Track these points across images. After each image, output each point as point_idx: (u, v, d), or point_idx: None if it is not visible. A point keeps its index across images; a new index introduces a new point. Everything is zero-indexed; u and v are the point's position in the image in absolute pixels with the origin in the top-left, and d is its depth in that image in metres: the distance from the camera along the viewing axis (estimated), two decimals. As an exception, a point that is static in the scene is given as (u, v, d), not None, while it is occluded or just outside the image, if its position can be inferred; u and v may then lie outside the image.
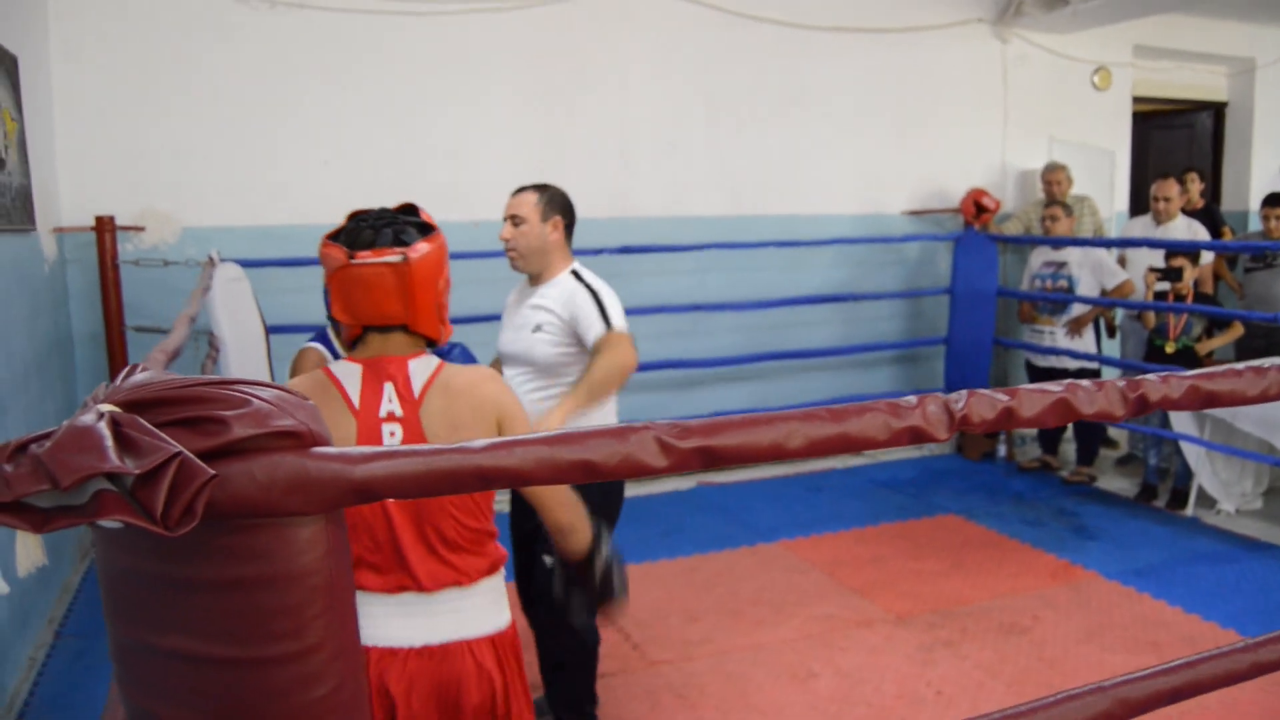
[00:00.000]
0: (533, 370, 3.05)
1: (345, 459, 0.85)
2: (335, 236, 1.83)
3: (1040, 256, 6.42)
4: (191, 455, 0.79)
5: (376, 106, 5.48)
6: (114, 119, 4.98)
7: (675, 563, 4.88)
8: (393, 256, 1.77)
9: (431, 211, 5.82)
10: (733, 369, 6.42)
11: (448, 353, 4.03)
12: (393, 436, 1.80)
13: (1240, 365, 1.43)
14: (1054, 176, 6.70)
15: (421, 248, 1.80)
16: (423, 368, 1.86)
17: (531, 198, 3.06)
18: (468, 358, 3.94)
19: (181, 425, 0.82)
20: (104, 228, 4.83)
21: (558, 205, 3.08)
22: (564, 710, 3.20)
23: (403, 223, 1.84)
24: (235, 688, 0.85)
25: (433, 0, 5.51)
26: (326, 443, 0.87)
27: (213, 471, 0.79)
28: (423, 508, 1.82)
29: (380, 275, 1.77)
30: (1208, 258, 6.24)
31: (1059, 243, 6.20)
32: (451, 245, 5.16)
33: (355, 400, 1.82)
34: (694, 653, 3.91)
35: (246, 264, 4.74)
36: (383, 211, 1.86)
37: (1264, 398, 1.40)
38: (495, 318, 5.02)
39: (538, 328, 3.03)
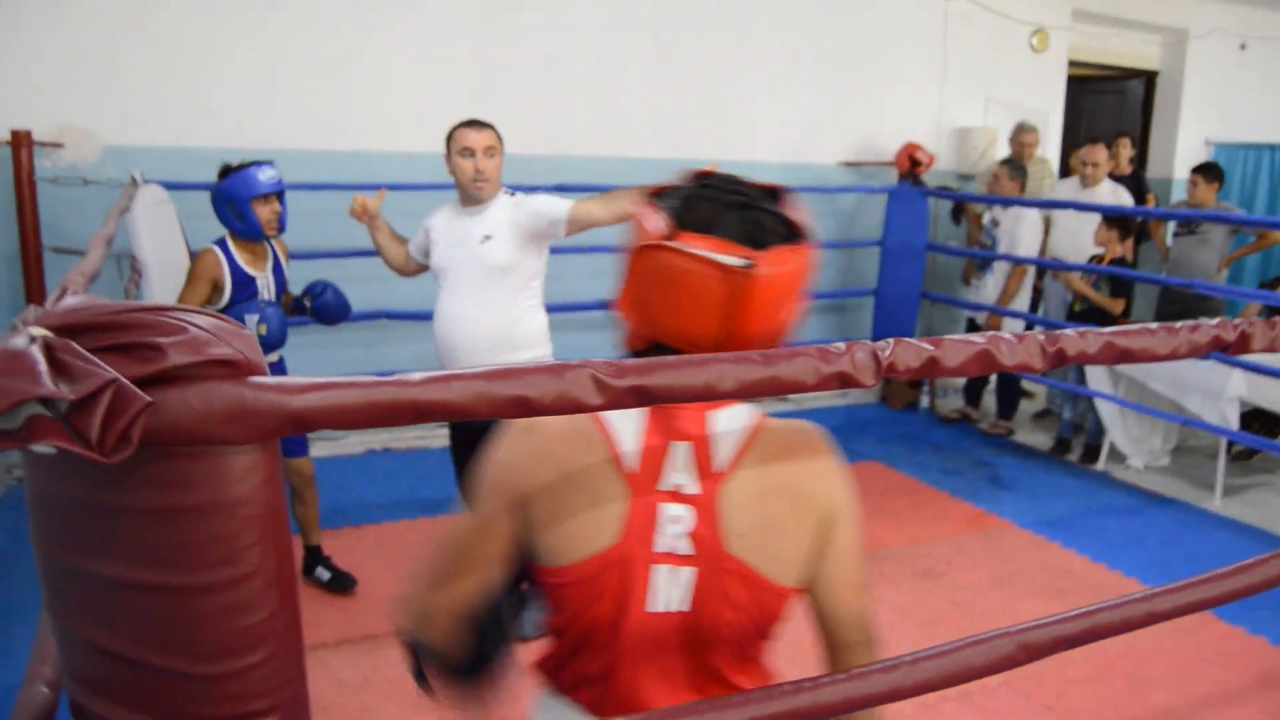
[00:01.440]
0: (478, 277, 3.40)
1: (282, 389, 0.85)
2: (662, 196, 1.33)
3: (987, 214, 6.57)
4: (127, 381, 0.78)
5: (311, 30, 5.33)
6: (31, 27, 4.78)
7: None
8: (730, 259, 1.19)
9: (360, 142, 5.65)
10: (665, 313, 6.44)
11: (321, 292, 3.92)
12: (677, 523, 1.25)
13: (1154, 324, 1.48)
14: (1027, 138, 6.80)
15: (780, 258, 1.23)
16: (733, 423, 1.29)
17: (494, 132, 3.46)
18: (340, 299, 3.91)
19: (116, 351, 0.81)
20: (19, 143, 4.65)
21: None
22: None
23: (766, 212, 1.29)
24: (170, 613, 0.86)
25: (372, -77, 5.36)
26: (263, 372, 0.87)
27: (149, 398, 0.79)
28: (756, 640, 1.35)
29: (700, 279, 1.20)
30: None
31: (1002, 202, 6.30)
32: (386, 176, 5.09)
33: (628, 459, 1.26)
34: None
35: (170, 186, 4.61)
36: (745, 186, 1.35)
37: (1174, 355, 1.46)
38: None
39: (486, 238, 3.40)
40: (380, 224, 3.74)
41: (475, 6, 5.73)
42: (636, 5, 6.16)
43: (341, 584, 3.91)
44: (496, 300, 3.42)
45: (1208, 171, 6.24)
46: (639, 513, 1.24)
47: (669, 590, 1.25)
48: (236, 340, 0.86)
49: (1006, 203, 6.27)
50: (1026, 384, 6.90)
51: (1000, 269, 6.38)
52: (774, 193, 1.36)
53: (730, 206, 1.27)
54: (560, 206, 3.38)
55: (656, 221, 1.25)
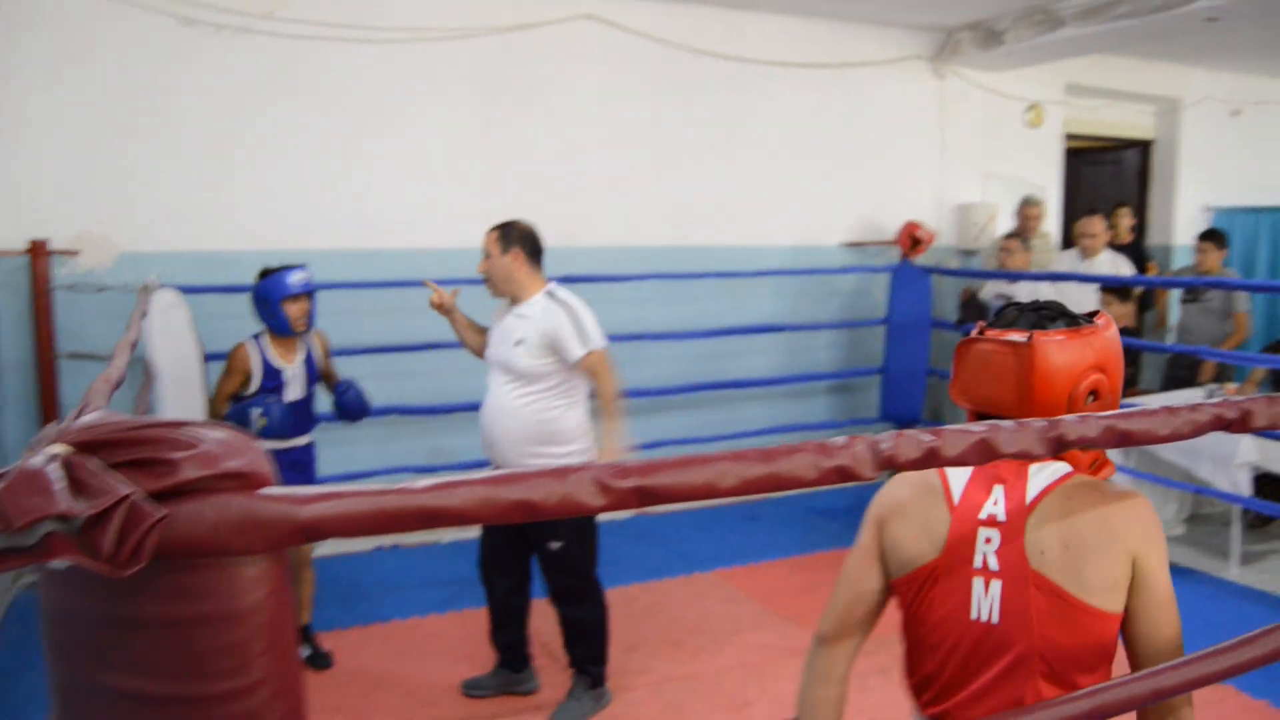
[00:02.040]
0: (513, 377, 3.55)
1: (292, 499, 0.87)
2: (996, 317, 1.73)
3: (993, 289, 6.56)
4: (141, 496, 0.81)
5: (323, 133, 5.47)
6: (51, 140, 4.92)
7: (613, 592, 4.87)
8: (1016, 337, 1.59)
9: (376, 241, 5.81)
10: (673, 398, 6.48)
11: (345, 391, 4.12)
12: (988, 543, 1.57)
13: (1155, 405, 1.49)
14: (1031, 211, 6.89)
15: (1058, 336, 1.58)
16: (1045, 475, 1.59)
17: (493, 234, 3.58)
18: (359, 398, 4.10)
19: (131, 466, 0.84)
20: (37, 252, 4.76)
21: (515, 238, 3.57)
22: (587, 664, 3.75)
23: (1057, 313, 1.65)
24: (179, 725, 0.87)
25: (382, 28, 5.53)
26: (272, 483, 0.90)
27: (162, 512, 0.81)
28: (1066, 654, 1.53)
29: (998, 356, 1.60)
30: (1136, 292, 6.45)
31: (1010, 276, 6.32)
32: (398, 273, 5.15)
33: (956, 496, 1.61)
34: (631, 683, 3.93)
35: (186, 290, 4.70)
36: (1048, 304, 1.69)
37: (1175, 437, 1.47)
38: (440, 344, 5.03)
39: (518, 342, 3.53)
40: (458, 316, 3.87)
41: (484, 106, 5.88)
42: (639, 99, 6.31)
43: (318, 662, 4.10)
44: (530, 398, 3.52)
45: (1215, 238, 6.30)
46: (958, 534, 1.58)
47: (983, 601, 1.56)
48: (247, 453, 0.88)
49: (1015, 277, 6.29)
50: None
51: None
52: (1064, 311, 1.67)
53: (1026, 311, 1.66)
54: (576, 349, 3.49)
55: (975, 329, 1.68)
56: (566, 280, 5.74)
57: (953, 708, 1.60)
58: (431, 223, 5.63)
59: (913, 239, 6.76)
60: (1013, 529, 1.54)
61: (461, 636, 4.29)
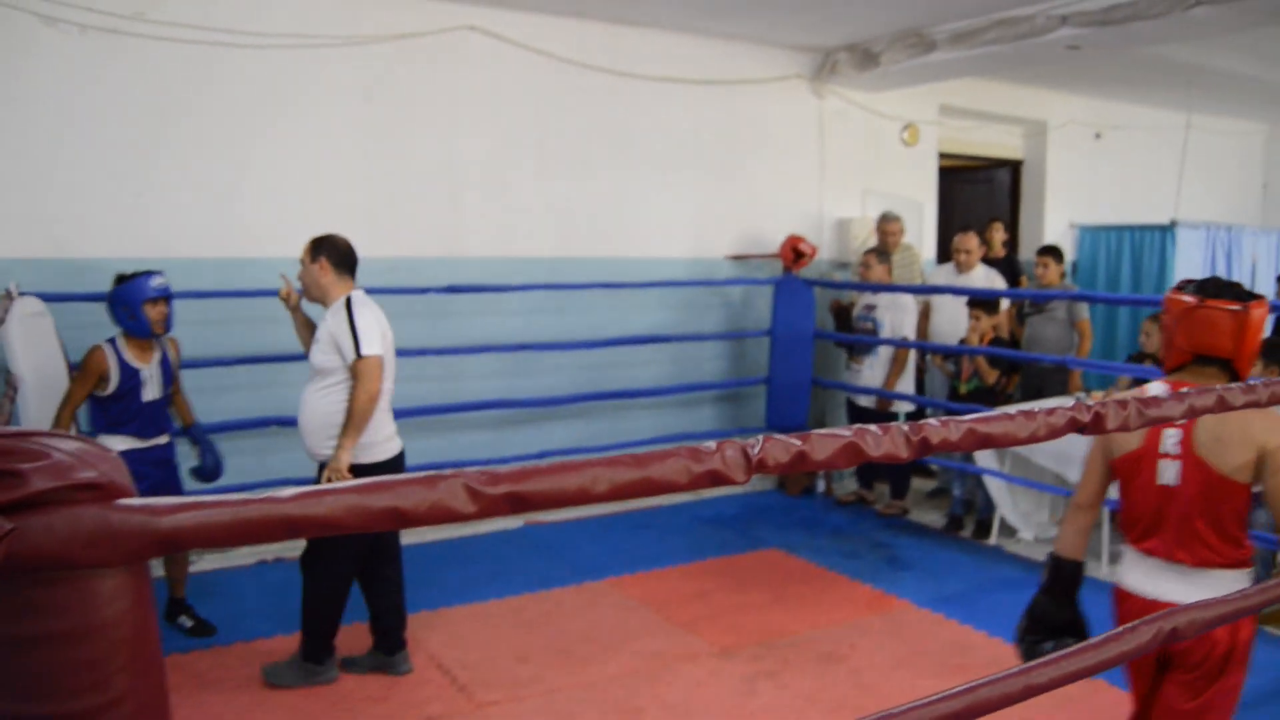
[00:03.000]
0: (312, 371, 3.90)
1: (150, 510, 0.85)
2: (1183, 288, 2.50)
3: (861, 300, 6.77)
4: (-13, 509, 0.78)
5: (193, 139, 5.31)
6: (-98, 143, 4.67)
7: (503, 603, 4.87)
8: (1235, 306, 2.41)
9: (251, 249, 5.78)
10: (561, 408, 6.48)
11: (203, 455, 4.52)
12: (1170, 438, 2.46)
13: (1013, 409, 1.56)
14: (890, 227, 7.10)
15: (1257, 308, 2.42)
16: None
17: (307, 246, 3.93)
18: (216, 462, 4.56)
19: (-23, 478, 0.81)
20: (-112, 259, 4.50)
21: (324, 249, 3.90)
22: (306, 635, 3.96)
23: (1239, 288, 2.48)
24: (32, 746, 0.84)
25: (256, 32, 5.40)
26: (131, 494, 0.87)
27: (10, 525, 0.78)
28: (1215, 507, 2.41)
29: (1222, 317, 2.41)
30: (1005, 304, 6.71)
31: (875, 288, 6.56)
32: (275, 282, 5.08)
33: None
34: (523, 693, 3.91)
35: (49, 298, 4.51)
36: (1224, 280, 2.50)
37: (1033, 439, 1.54)
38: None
39: (316, 340, 3.91)
40: (299, 314, 4.18)
41: (365, 115, 5.78)
42: (522, 110, 6.29)
43: (204, 630, 4.40)
44: (323, 391, 3.84)
45: (1054, 253, 6.65)
46: (1153, 434, 2.46)
47: (1167, 473, 2.48)
48: (102, 463, 0.86)
49: (887, 290, 6.51)
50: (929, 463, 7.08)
51: (884, 353, 6.59)
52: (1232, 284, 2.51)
53: (1224, 286, 2.47)
54: (348, 352, 3.76)
55: (1189, 298, 2.46)
56: (450, 290, 5.74)
57: (1152, 542, 2.50)
58: (310, 231, 5.48)
59: (795, 252, 6.90)
60: (1186, 429, 2.42)
61: (351, 645, 4.19)
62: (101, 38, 5.04)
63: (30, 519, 0.80)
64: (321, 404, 3.83)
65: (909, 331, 6.55)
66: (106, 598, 0.85)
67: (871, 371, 6.64)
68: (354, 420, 3.73)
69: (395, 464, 3.99)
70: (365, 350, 3.74)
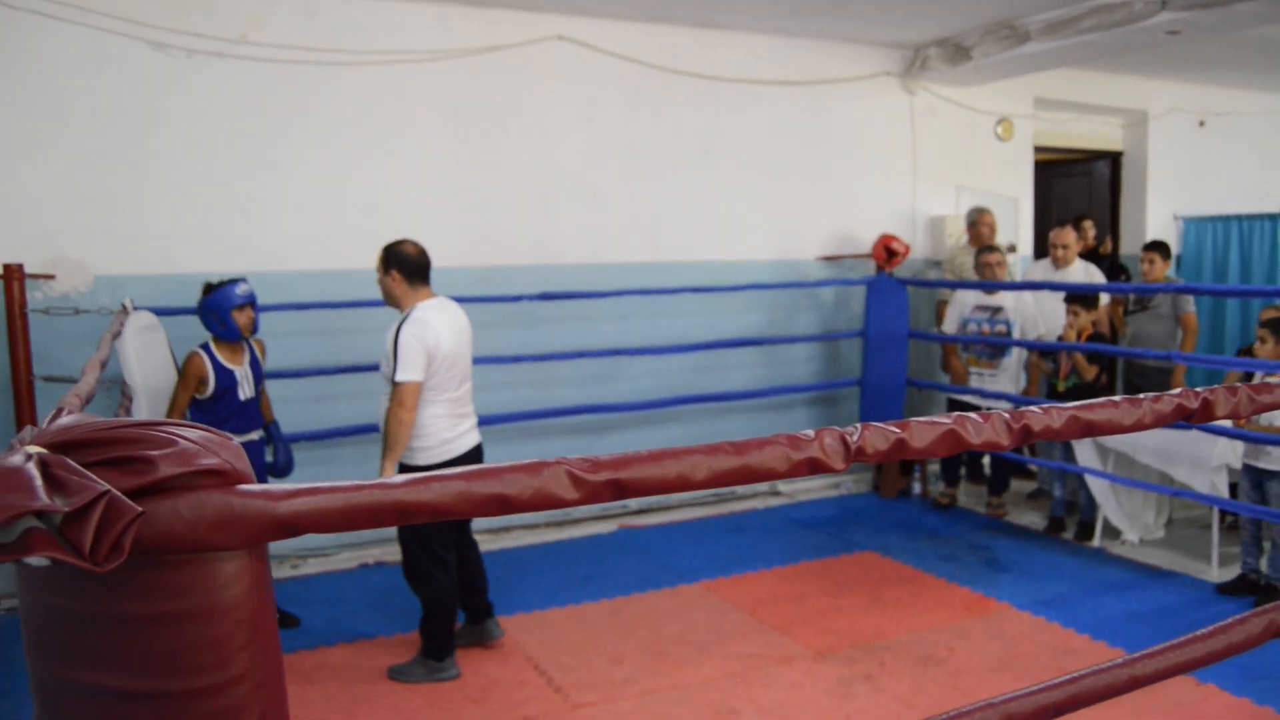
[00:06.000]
0: (383, 379, 4.01)
1: (268, 496, 0.89)
2: None
3: (970, 300, 6.54)
4: (119, 493, 0.82)
5: (295, 155, 5.48)
6: (24, 164, 4.91)
7: (598, 605, 4.90)
8: None
9: (352, 262, 5.95)
10: (653, 413, 6.50)
11: (276, 451, 4.68)
12: None
13: (1118, 397, 1.52)
14: (986, 219, 6.93)
15: None
16: None
17: (379, 256, 4.04)
18: (288, 456, 4.73)
19: (109, 465, 0.85)
20: (12, 275, 4.73)
21: (393, 261, 4.00)
22: (425, 637, 4.15)
23: None
24: (161, 720, 0.88)
25: (353, 50, 5.55)
26: (250, 480, 0.91)
27: (140, 509, 0.82)
28: None
29: None
30: (1105, 299, 6.51)
31: (990, 286, 6.32)
32: (371, 293, 5.18)
33: None
34: (618, 694, 3.93)
35: (161, 312, 4.70)
36: None
37: (1139, 426, 1.50)
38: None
39: (385, 353, 3.98)
40: None
41: (458, 127, 5.90)
42: (612, 117, 6.34)
43: (287, 623, 4.56)
44: (386, 400, 3.96)
45: (1160, 249, 6.42)
46: None
47: None
48: (224, 450, 0.90)
49: (994, 287, 6.30)
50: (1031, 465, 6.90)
51: (1016, 357, 6.37)
52: None
53: None
54: (390, 370, 3.87)
55: None
56: (543, 298, 5.81)
57: None
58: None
59: (888, 251, 6.81)
60: None
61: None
62: (208, 61, 5.23)
63: (158, 503, 0.85)
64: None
65: (1035, 334, 6.30)
66: (229, 579, 0.89)
67: (1003, 377, 6.40)
68: (387, 441, 3.88)
69: (463, 461, 4.11)
70: (400, 376, 3.83)
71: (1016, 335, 6.30)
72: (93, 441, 0.86)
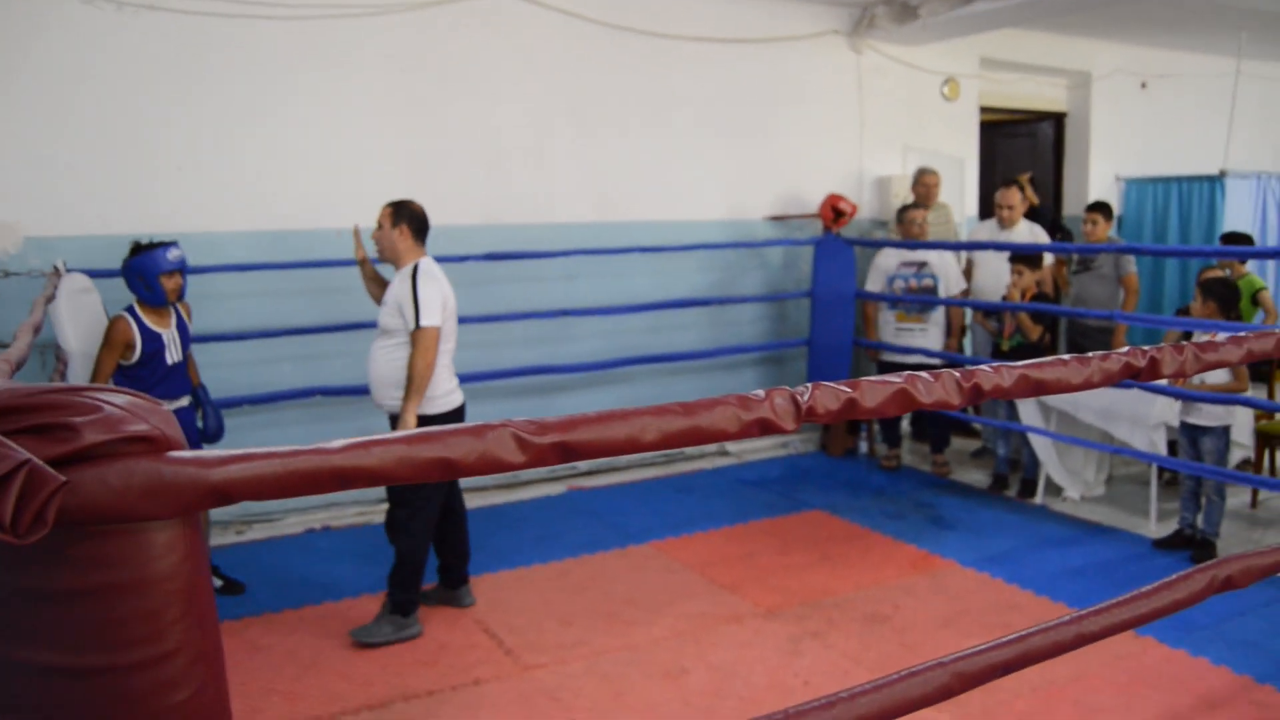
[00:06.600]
0: (379, 329, 4.16)
1: (201, 462, 0.85)
2: None
3: (895, 257, 6.64)
4: (41, 462, 0.78)
5: (232, 112, 5.33)
6: (-53, 123, 4.73)
7: (547, 567, 4.90)
8: None
9: (292, 222, 5.84)
10: (600, 374, 6.48)
11: (204, 414, 4.59)
12: None
13: (1066, 356, 1.52)
14: (930, 179, 6.98)
15: None
16: None
17: (388, 209, 4.16)
18: (217, 420, 4.64)
19: (30, 433, 0.81)
20: (-62, 238, 4.58)
21: (405, 216, 4.14)
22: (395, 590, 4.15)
23: None
24: (94, 697, 0.85)
25: (292, 4, 5.39)
26: (181, 447, 0.87)
27: (63, 478, 0.78)
28: None
29: None
30: (1049, 259, 6.59)
31: (919, 245, 6.46)
32: (316, 253, 5.12)
33: None
34: (568, 656, 3.94)
35: (96, 274, 4.57)
36: None
37: (1087, 384, 1.50)
38: (363, 325, 5.01)
39: (384, 301, 4.16)
40: (367, 266, 4.48)
41: (401, 84, 5.77)
42: (558, 75, 6.25)
43: (233, 589, 4.55)
44: (388, 349, 4.10)
45: (1103, 209, 6.49)
46: None
47: None
48: (153, 416, 0.86)
49: (935, 247, 6.40)
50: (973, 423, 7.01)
51: (941, 313, 6.50)
52: None
53: None
54: (411, 318, 3.98)
55: None
56: (489, 258, 5.74)
57: None
58: (349, 202, 5.51)
59: (835, 211, 6.82)
60: None
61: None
62: (138, 14, 5.05)
63: (83, 472, 0.81)
64: (386, 361, 4.10)
65: (958, 289, 6.46)
66: (160, 550, 0.85)
67: (933, 331, 6.55)
68: (413, 385, 3.96)
69: (456, 416, 4.25)
70: (424, 321, 3.96)
71: (941, 289, 6.42)
72: (13, 409, 0.82)
